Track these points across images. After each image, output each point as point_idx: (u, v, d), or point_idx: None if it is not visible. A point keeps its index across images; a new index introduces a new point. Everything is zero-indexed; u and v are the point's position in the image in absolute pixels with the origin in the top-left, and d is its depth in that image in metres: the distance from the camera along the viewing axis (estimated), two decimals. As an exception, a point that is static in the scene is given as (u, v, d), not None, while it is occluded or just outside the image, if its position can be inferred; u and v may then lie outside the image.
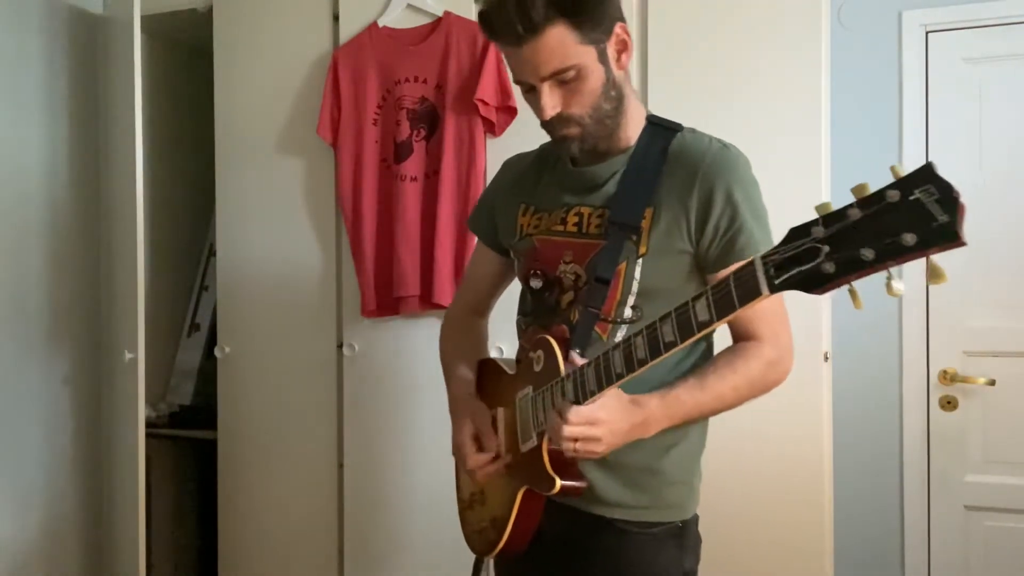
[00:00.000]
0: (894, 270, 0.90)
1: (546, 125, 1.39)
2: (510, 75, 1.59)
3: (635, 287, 1.36)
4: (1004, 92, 2.44)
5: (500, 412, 1.46)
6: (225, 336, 2.61)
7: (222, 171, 2.61)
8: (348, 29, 2.43)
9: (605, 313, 1.37)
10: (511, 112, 2.26)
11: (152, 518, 2.80)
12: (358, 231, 2.39)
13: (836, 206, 0.93)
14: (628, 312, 1.37)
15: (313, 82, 2.47)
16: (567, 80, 1.32)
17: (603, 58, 1.34)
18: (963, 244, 0.85)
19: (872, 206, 0.89)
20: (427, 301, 2.30)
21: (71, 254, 2.64)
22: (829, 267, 0.92)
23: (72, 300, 2.64)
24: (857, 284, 0.94)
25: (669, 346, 1.13)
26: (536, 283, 1.46)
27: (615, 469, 1.38)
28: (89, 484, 2.67)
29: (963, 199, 0.85)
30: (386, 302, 2.37)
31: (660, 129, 1.43)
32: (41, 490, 2.56)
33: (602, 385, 1.22)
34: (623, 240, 1.35)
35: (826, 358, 2.08)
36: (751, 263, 1.01)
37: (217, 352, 2.61)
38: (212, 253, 2.96)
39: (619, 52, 1.36)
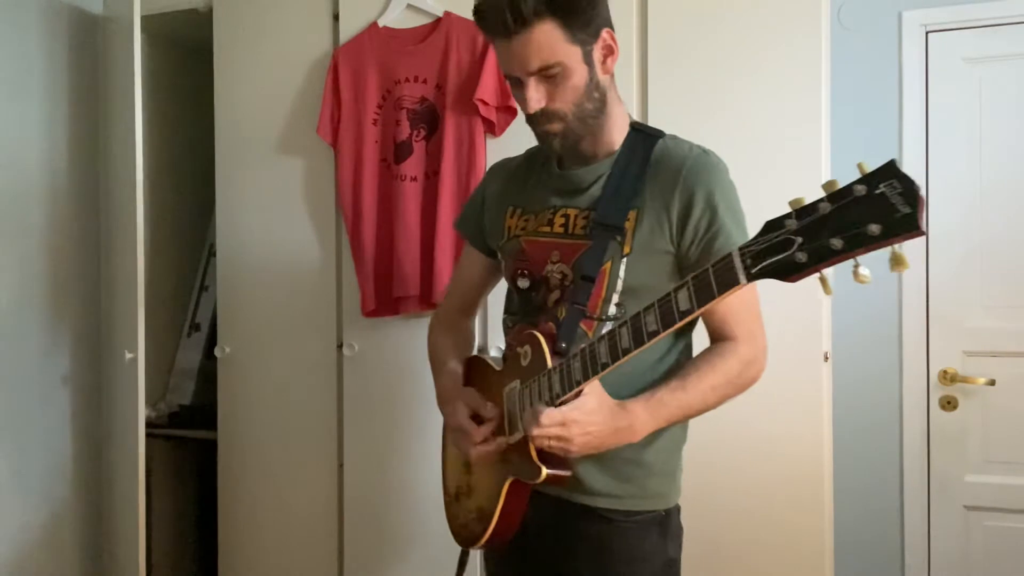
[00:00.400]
0: (861, 258, 0.97)
1: (530, 120, 1.44)
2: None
3: (619, 285, 1.42)
4: (1004, 92, 2.44)
5: (480, 397, 1.51)
6: (225, 336, 2.61)
7: (222, 171, 2.61)
8: (348, 29, 2.43)
9: (591, 310, 1.43)
10: (511, 112, 2.26)
11: (152, 518, 2.80)
12: (358, 231, 2.39)
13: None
14: (613, 309, 1.43)
15: (313, 82, 2.47)
16: (552, 76, 1.38)
17: (588, 60, 1.40)
18: (923, 233, 0.93)
19: (840, 200, 0.97)
20: (427, 301, 2.30)
21: (71, 254, 2.64)
22: (802, 256, 1.00)
23: (72, 300, 2.64)
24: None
25: (652, 335, 1.19)
26: (523, 283, 1.52)
27: (601, 461, 1.43)
28: (89, 484, 2.67)
29: (922, 192, 0.92)
30: (386, 302, 2.37)
31: (643, 135, 1.50)
32: (41, 490, 2.56)
33: (587, 375, 1.28)
34: (608, 240, 1.42)
35: (826, 358, 2.08)
36: (729, 255, 1.08)
37: (217, 352, 2.61)
38: (212, 253, 2.96)
39: (604, 56, 1.42)
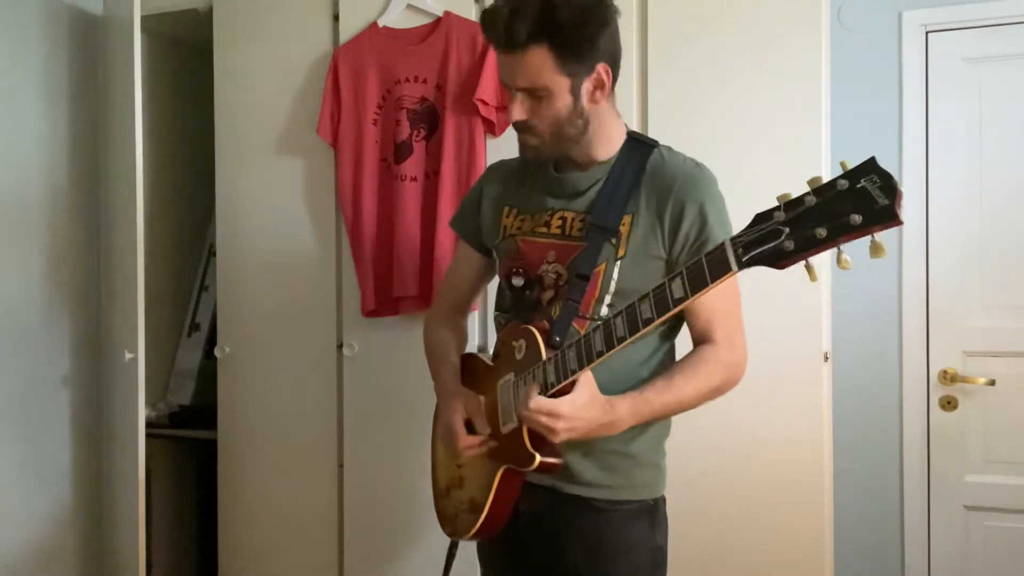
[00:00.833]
0: (844, 246, 1.06)
1: (514, 126, 1.52)
2: None
3: (613, 287, 1.48)
4: (1004, 92, 2.44)
5: (482, 400, 1.56)
6: (225, 336, 2.61)
7: (222, 171, 2.61)
8: (348, 29, 2.43)
9: (583, 310, 1.48)
10: (509, 100, 2.25)
11: (152, 518, 2.81)
12: (358, 231, 2.39)
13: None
14: (605, 310, 1.48)
15: (313, 82, 2.47)
16: (538, 96, 1.45)
17: (575, 91, 1.45)
18: (901, 223, 1.01)
19: (825, 193, 1.05)
20: (427, 301, 2.30)
21: (71, 254, 2.64)
22: (789, 245, 1.08)
23: (72, 300, 2.64)
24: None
25: (647, 322, 1.26)
26: (518, 281, 1.56)
27: (591, 453, 1.50)
28: (89, 484, 2.67)
29: (900, 186, 1.01)
30: (386, 302, 2.37)
31: (639, 144, 1.55)
32: (41, 490, 2.56)
33: (583, 363, 1.34)
34: (603, 242, 1.48)
35: (826, 358, 2.07)
36: (722, 245, 1.15)
37: (217, 352, 2.61)
38: (212, 253, 2.96)
39: (594, 89, 1.47)
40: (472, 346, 2.21)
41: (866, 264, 1.07)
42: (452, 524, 1.66)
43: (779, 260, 1.09)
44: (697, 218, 1.46)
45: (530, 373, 1.43)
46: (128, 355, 2.41)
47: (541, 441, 1.41)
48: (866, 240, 1.05)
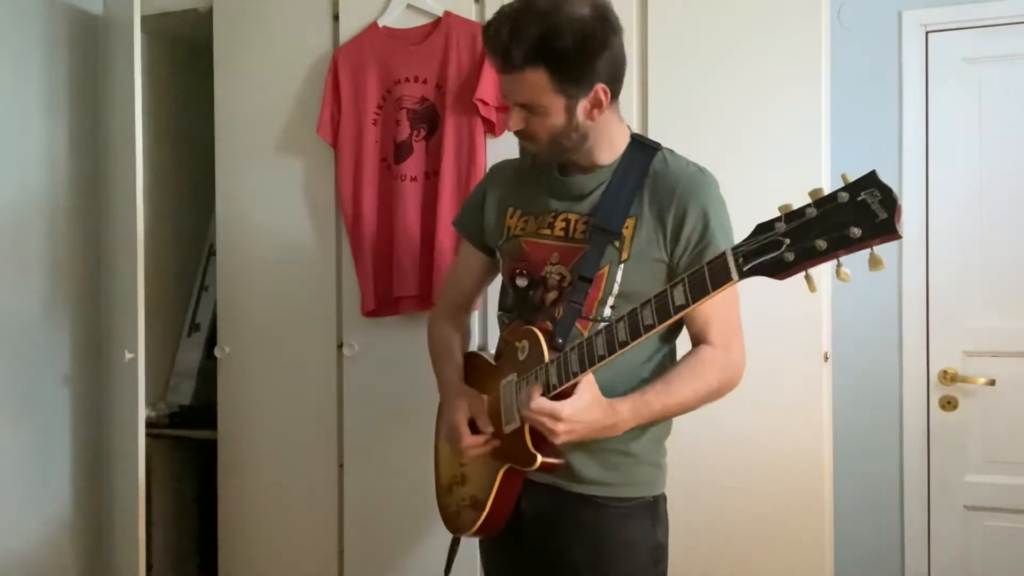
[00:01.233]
0: (844, 259, 1.07)
1: (514, 132, 1.54)
2: None
3: (616, 289, 1.50)
4: (1004, 92, 2.44)
5: (485, 399, 1.58)
6: (225, 336, 2.61)
7: (222, 171, 2.61)
8: (348, 29, 2.43)
9: (586, 311, 1.50)
10: (507, 109, 2.26)
11: (152, 518, 2.81)
12: (358, 231, 2.39)
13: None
14: (607, 312, 1.50)
15: (313, 82, 2.47)
16: (534, 112, 1.46)
17: (571, 110, 1.46)
18: (899, 237, 1.02)
19: (825, 205, 1.06)
20: (427, 301, 2.30)
21: (71, 254, 2.63)
22: (789, 256, 1.09)
23: (72, 300, 2.63)
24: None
25: (648, 328, 1.28)
26: (521, 281, 1.58)
27: (591, 452, 1.51)
28: (89, 484, 2.66)
29: (900, 201, 1.02)
30: (386, 302, 2.37)
31: (642, 147, 1.56)
32: (41, 490, 2.56)
33: (584, 366, 1.36)
34: (606, 245, 1.49)
35: (826, 358, 2.08)
36: (723, 254, 1.17)
37: (217, 352, 2.61)
38: (212, 253, 2.96)
39: (591, 107, 1.47)
40: (472, 345, 2.21)
41: (865, 265, 1.07)
42: (454, 521, 1.67)
43: (779, 271, 1.11)
44: (699, 222, 1.47)
45: (533, 374, 1.44)
46: (128, 355, 2.41)
47: (543, 441, 1.42)
48: (865, 252, 1.06)
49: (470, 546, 1.74)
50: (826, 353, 2.08)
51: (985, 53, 2.45)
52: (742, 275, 1.14)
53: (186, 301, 3.06)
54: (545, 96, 1.44)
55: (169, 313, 2.99)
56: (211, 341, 2.82)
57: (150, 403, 2.81)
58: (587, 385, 1.38)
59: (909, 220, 2.44)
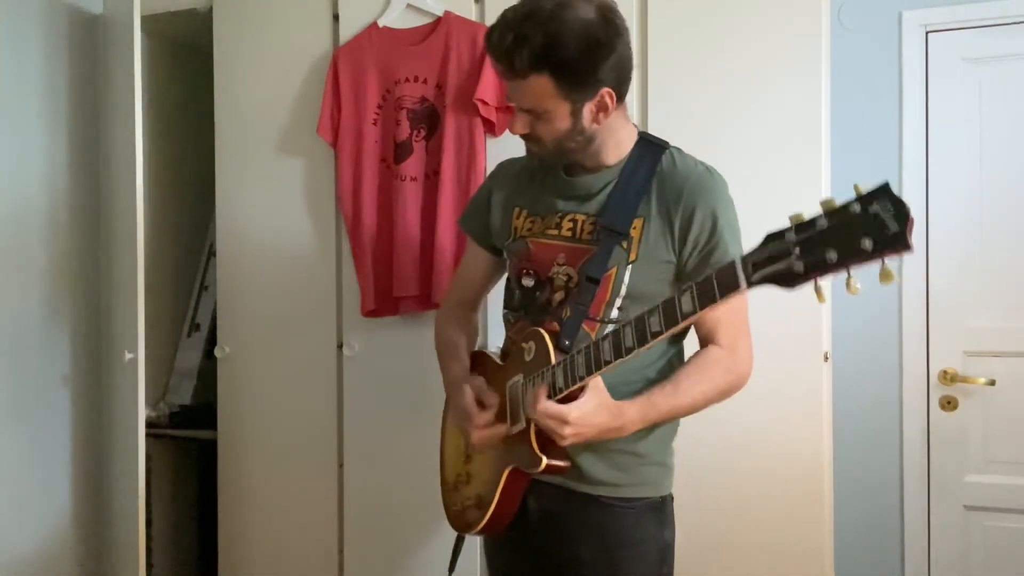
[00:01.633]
0: (854, 271, 1.05)
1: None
2: None
3: (623, 290, 1.49)
4: (1004, 92, 2.44)
5: (484, 383, 1.56)
6: (225, 336, 2.61)
7: (222, 171, 2.61)
8: (348, 29, 2.43)
9: (593, 312, 1.49)
10: (511, 112, 2.25)
11: (152, 518, 2.81)
12: (358, 231, 2.39)
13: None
14: (615, 313, 1.49)
15: (313, 82, 2.46)
16: (539, 116, 1.46)
17: (576, 114, 1.46)
18: (911, 251, 1.01)
19: (837, 216, 1.04)
20: (427, 301, 2.30)
21: (71, 254, 2.63)
22: (799, 267, 1.07)
23: (72, 300, 2.64)
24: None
25: (655, 335, 1.27)
26: (528, 282, 1.57)
27: (599, 452, 1.51)
28: (89, 484, 2.67)
29: (912, 214, 1.00)
30: (386, 302, 2.37)
31: (649, 146, 1.56)
32: (41, 490, 2.56)
33: (591, 370, 1.35)
34: (613, 245, 1.48)
35: (826, 358, 2.08)
36: (732, 263, 1.15)
37: (217, 352, 2.61)
38: (212, 253, 2.96)
39: (597, 111, 1.47)
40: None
41: (858, 276, 1.07)
42: (459, 519, 1.67)
43: (788, 281, 1.09)
44: (707, 223, 1.47)
45: (539, 375, 1.44)
46: (128, 355, 2.41)
47: (549, 443, 1.42)
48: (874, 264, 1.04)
49: (472, 545, 1.73)
50: (826, 353, 2.08)
51: (985, 53, 2.45)
52: (751, 284, 1.13)
53: (186, 301, 3.06)
54: (550, 102, 1.43)
55: (169, 313, 2.99)
56: (211, 341, 2.82)
57: (150, 403, 2.81)
58: (594, 388, 1.37)
59: (909, 220, 2.44)
